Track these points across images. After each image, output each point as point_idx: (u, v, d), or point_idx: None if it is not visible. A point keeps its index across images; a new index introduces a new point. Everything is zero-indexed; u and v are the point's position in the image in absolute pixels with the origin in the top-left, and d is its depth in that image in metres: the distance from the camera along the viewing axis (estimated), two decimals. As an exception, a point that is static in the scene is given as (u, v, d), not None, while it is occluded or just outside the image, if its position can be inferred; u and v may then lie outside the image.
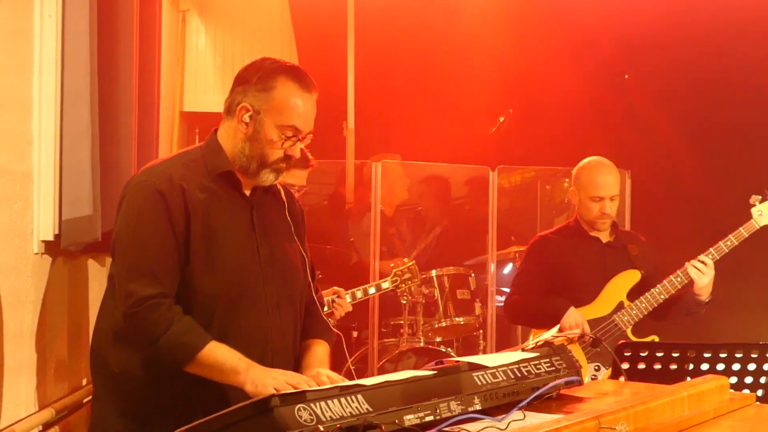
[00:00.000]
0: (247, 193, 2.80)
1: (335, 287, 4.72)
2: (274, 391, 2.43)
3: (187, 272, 2.65)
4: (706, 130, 7.45)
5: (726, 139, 7.45)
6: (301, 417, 1.77)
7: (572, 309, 4.44)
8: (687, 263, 4.40)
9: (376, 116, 7.37)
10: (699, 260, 4.37)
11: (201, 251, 2.66)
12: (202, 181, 2.72)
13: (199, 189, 2.69)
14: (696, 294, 4.42)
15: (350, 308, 4.79)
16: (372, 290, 5.03)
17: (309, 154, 3.95)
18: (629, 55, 7.67)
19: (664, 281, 4.41)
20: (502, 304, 6.36)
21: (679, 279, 4.39)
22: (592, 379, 4.33)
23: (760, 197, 4.44)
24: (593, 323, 4.47)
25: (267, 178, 2.75)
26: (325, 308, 4.56)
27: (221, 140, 2.79)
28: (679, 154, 7.38)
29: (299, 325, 2.91)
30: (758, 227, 4.41)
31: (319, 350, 2.89)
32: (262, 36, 6.09)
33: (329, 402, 1.82)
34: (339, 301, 4.64)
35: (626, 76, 7.66)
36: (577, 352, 4.29)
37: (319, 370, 2.70)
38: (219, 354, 2.59)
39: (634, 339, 4.45)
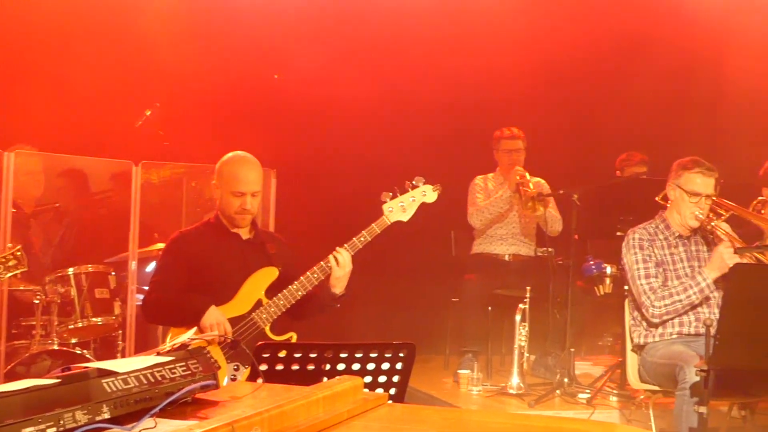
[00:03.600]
0: None
1: None
2: None
3: None
4: (347, 131, 7.70)
5: (354, 140, 7.72)
6: None
7: (212, 308, 4.38)
8: (329, 255, 4.50)
9: (9, 104, 6.92)
10: (338, 251, 4.48)
11: None
12: None
13: None
14: (331, 286, 4.52)
15: None
16: None
17: None
18: (280, 55, 7.75)
19: (301, 277, 4.46)
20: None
21: (315, 275, 4.46)
22: (232, 378, 4.29)
23: (391, 194, 4.61)
24: (232, 321, 4.43)
25: None
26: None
27: None
28: (323, 155, 7.56)
29: None
30: (389, 223, 4.58)
31: None
32: None
33: (-67, 418, 1.63)
34: None
35: (276, 76, 7.74)
36: (215, 352, 4.25)
37: None
38: None
39: (273, 337, 4.46)
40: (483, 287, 6.84)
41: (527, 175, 6.74)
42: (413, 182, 4.65)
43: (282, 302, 4.47)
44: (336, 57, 7.84)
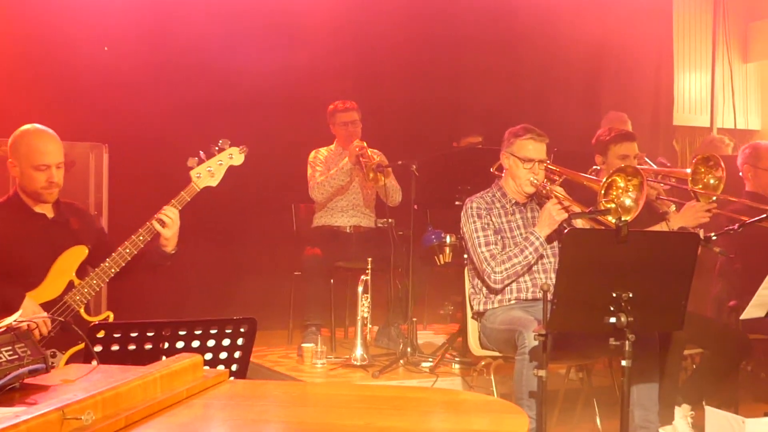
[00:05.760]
0: None
1: None
2: None
3: None
4: (179, 102, 7.50)
5: (188, 112, 7.54)
6: None
7: (27, 300, 4.16)
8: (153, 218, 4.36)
9: None
10: (164, 213, 4.37)
11: None
12: None
13: None
14: (162, 245, 4.42)
15: None
16: None
17: None
18: (108, 29, 7.49)
19: (114, 254, 4.28)
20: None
21: (132, 247, 4.29)
22: (51, 367, 4.10)
23: (197, 159, 4.49)
24: (46, 307, 4.22)
25: None
26: None
27: None
28: (154, 128, 7.34)
29: None
30: (198, 189, 4.46)
31: None
32: None
33: None
34: None
35: (105, 48, 7.47)
36: None
37: None
38: None
39: (88, 318, 4.28)
40: (325, 260, 6.82)
41: (365, 145, 6.73)
42: (219, 145, 4.54)
43: (95, 281, 4.30)
44: (160, 28, 7.64)
